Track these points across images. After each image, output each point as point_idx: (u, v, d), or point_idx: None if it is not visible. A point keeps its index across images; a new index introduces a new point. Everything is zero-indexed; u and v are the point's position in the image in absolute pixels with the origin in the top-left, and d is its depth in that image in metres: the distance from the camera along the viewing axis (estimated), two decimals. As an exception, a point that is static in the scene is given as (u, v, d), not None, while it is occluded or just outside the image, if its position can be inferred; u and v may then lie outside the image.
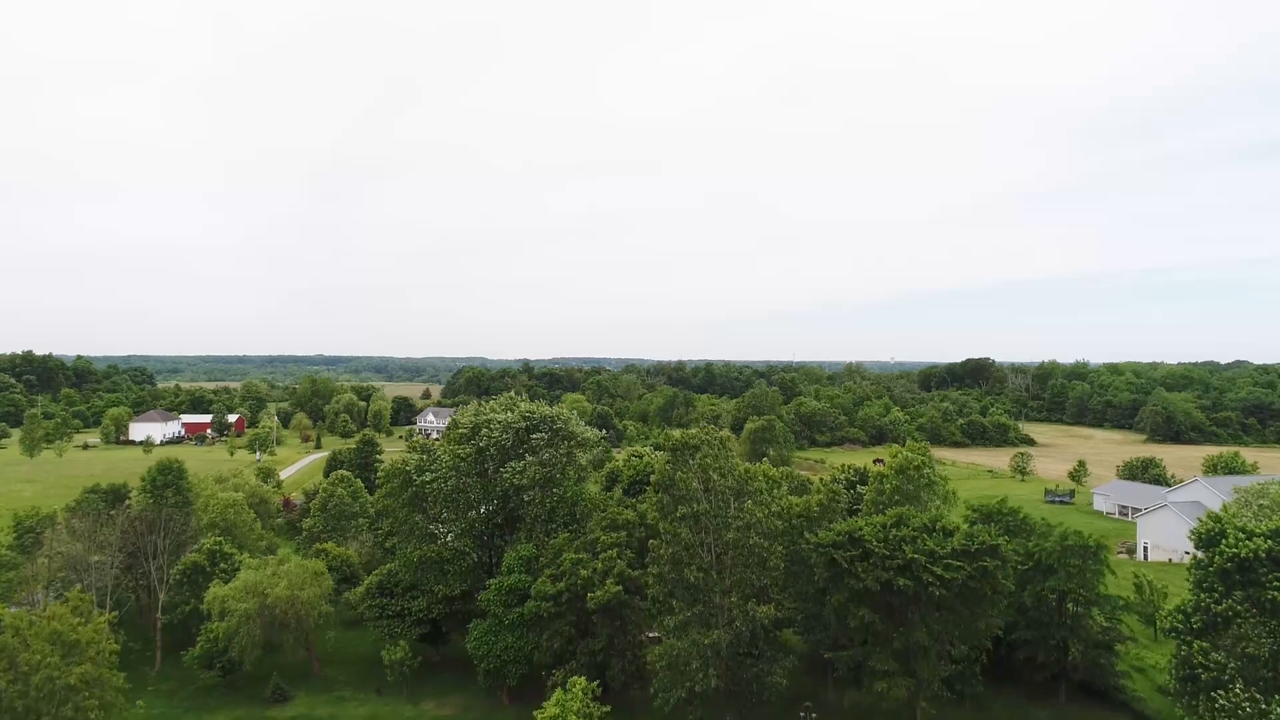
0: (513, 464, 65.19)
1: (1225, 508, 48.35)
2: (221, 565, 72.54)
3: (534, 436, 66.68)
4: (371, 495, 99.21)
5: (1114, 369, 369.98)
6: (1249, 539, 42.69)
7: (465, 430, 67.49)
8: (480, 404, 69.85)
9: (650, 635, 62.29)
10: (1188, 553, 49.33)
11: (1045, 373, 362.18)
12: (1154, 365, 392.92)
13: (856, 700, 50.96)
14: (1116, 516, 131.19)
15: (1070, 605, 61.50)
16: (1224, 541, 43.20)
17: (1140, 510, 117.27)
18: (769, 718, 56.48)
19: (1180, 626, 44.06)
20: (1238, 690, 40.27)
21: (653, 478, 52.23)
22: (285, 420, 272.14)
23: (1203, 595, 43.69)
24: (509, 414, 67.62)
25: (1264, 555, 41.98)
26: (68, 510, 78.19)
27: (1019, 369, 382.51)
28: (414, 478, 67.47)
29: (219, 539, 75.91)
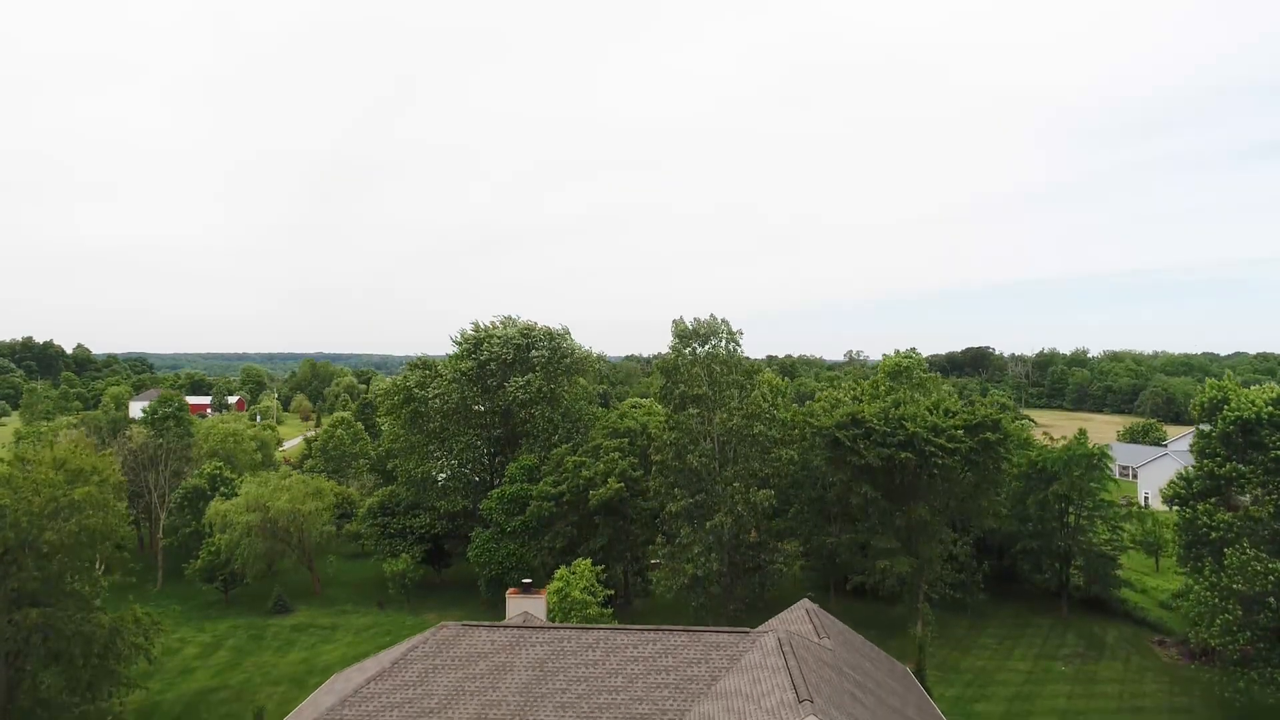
0: (515, 378, 65.17)
1: (1229, 376, 48.15)
2: (222, 489, 72.57)
3: (534, 353, 66.67)
4: (372, 440, 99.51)
5: (1114, 357, 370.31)
6: (1253, 404, 42.65)
7: (467, 346, 67.44)
8: (478, 324, 69.66)
9: (653, 563, 62.31)
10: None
11: (1045, 360, 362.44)
12: (1154, 355, 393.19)
13: (859, 583, 50.75)
14: (1118, 477, 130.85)
15: (1072, 514, 61.55)
16: (1227, 408, 43.16)
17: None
18: (772, 612, 56.38)
19: (1183, 493, 44.00)
20: (1245, 547, 40.16)
21: (656, 362, 52.10)
22: (286, 403, 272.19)
23: (1205, 461, 43.64)
24: (508, 330, 67.62)
25: (1266, 419, 41.93)
26: (69, 428, 78.16)
27: (1019, 359, 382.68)
28: (415, 393, 67.43)
29: (219, 464, 76.00)
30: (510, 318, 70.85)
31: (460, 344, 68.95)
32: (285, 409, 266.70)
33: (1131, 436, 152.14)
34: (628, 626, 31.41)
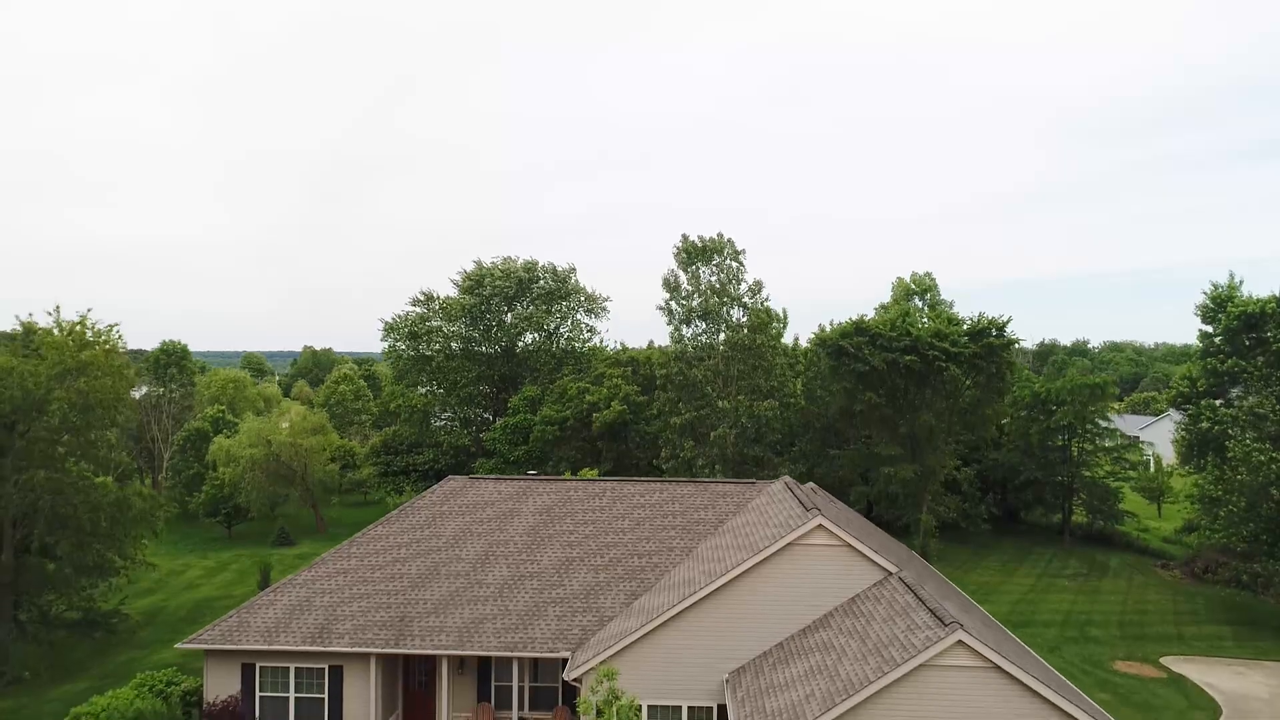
0: (520, 309, 65.21)
1: (1231, 278, 48.12)
2: (224, 431, 72.63)
3: (536, 286, 66.72)
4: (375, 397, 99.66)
5: (1115, 347, 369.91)
6: (1257, 301, 42.76)
7: (470, 282, 67.47)
8: (479, 262, 69.63)
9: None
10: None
11: (1046, 351, 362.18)
12: (1155, 346, 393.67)
13: (862, 496, 50.75)
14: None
15: (1075, 446, 61.60)
16: (1231, 305, 43.26)
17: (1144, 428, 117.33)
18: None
19: (1187, 391, 44.06)
20: (1248, 440, 40.20)
21: (663, 277, 52.23)
22: (286, 390, 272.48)
23: (1209, 360, 43.72)
24: (510, 266, 67.68)
25: (1271, 314, 42.03)
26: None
27: (1020, 350, 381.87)
28: (417, 329, 67.50)
29: (222, 408, 76.12)
30: (510, 258, 70.87)
31: (461, 284, 68.92)
32: (286, 395, 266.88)
33: (1132, 409, 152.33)
34: (634, 479, 31.51)
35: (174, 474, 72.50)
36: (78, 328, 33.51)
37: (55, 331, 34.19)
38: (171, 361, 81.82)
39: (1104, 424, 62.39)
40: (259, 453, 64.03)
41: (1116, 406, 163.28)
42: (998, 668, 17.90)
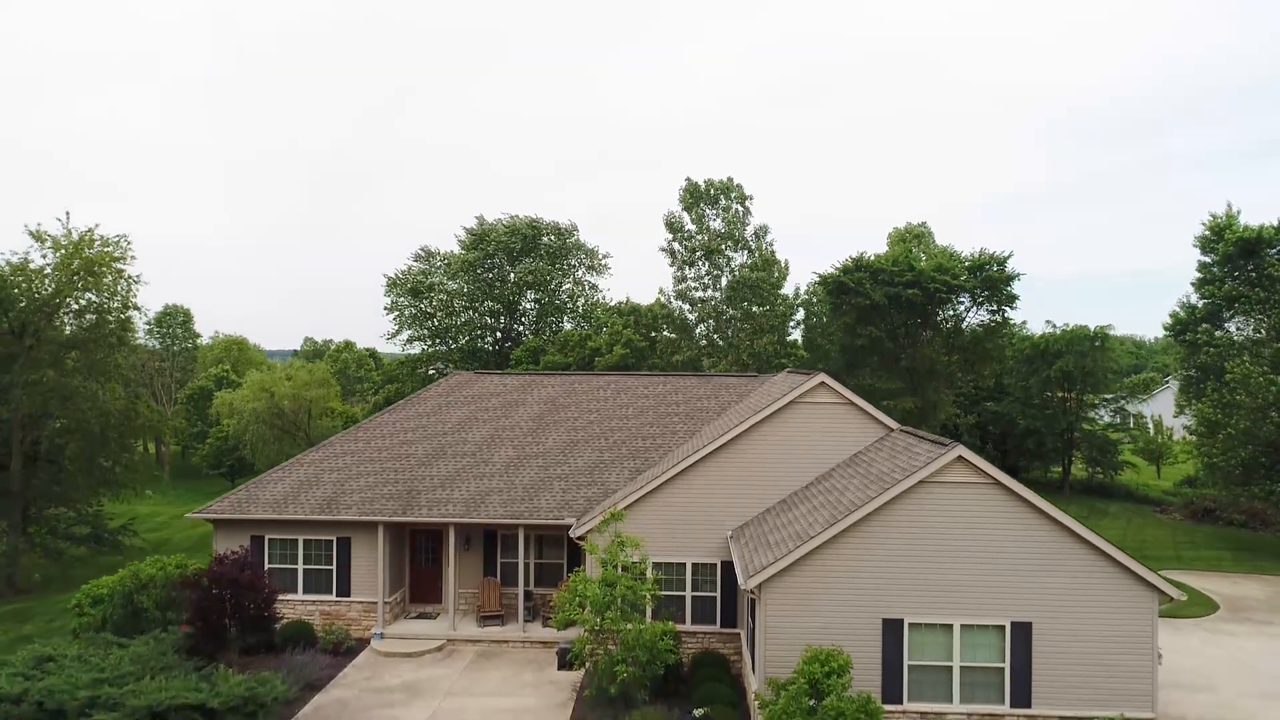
0: (526, 262, 65.38)
1: (1229, 208, 48.16)
2: (227, 388, 72.93)
3: (542, 241, 66.91)
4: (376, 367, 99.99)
5: (1116, 340, 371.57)
6: (1255, 228, 43.04)
7: (472, 237, 67.67)
8: (482, 218, 69.78)
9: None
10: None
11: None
12: (1155, 340, 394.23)
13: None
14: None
15: (1074, 399, 61.82)
16: (1228, 231, 43.52)
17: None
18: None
19: (1186, 318, 44.31)
20: (1246, 362, 40.47)
21: (664, 217, 52.46)
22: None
23: (1206, 287, 43.98)
24: (515, 222, 67.85)
25: (1269, 238, 42.32)
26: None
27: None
28: (419, 284, 67.69)
29: (225, 368, 76.42)
30: (515, 216, 71.04)
31: (464, 240, 69.09)
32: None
33: (1131, 391, 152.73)
34: (637, 373, 31.82)
35: (176, 433, 72.76)
36: (87, 235, 33.84)
37: (64, 242, 34.47)
38: (176, 322, 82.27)
39: (1101, 370, 62.61)
40: (262, 405, 64.25)
41: (1117, 388, 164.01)
42: (998, 483, 18.23)
